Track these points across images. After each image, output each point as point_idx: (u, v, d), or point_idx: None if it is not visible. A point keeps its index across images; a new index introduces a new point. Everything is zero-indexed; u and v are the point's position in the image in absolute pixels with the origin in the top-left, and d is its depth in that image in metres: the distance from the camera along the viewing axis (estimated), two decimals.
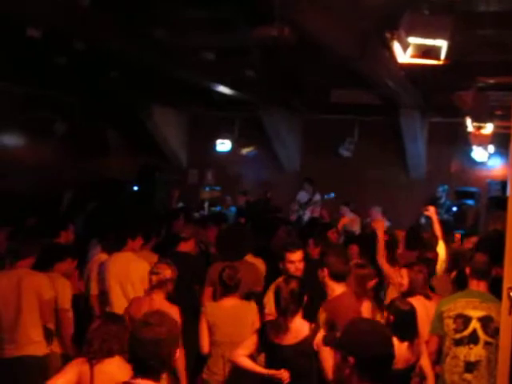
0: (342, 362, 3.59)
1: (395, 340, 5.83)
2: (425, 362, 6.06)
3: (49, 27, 9.77)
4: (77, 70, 13.70)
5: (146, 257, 8.28)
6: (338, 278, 6.31)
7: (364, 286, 6.85)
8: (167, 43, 11.15)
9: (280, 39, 10.19)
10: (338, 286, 6.30)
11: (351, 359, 3.50)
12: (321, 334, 5.60)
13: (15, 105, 16.19)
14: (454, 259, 8.46)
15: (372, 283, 7.05)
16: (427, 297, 7.09)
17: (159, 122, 18.93)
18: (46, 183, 16.53)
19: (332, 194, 16.81)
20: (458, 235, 10.52)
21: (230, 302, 6.67)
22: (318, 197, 17.55)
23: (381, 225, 8.53)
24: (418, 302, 6.83)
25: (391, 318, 5.97)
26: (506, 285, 4.58)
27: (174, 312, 6.34)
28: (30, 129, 17.09)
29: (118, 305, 7.67)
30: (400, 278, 7.16)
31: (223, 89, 14.64)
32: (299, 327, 5.67)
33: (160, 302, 6.46)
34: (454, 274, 8.25)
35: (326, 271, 6.35)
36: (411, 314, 6.01)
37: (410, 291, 7.06)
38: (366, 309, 6.59)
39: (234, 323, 6.56)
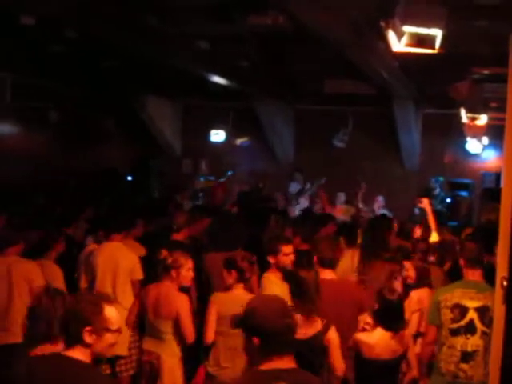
0: (247, 343, 3.65)
1: (380, 329, 5.86)
2: (411, 354, 6.06)
3: (43, 15, 9.72)
4: (70, 58, 13.64)
5: (130, 246, 8.33)
6: (325, 264, 6.43)
7: (391, 281, 6.79)
8: (161, 32, 11.09)
9: (274, 28, 10.18)
10: (325, 272, 6.37)
11: (255, 339, 3.55)
12: (332, 330, 5.62)
13: (8, 94, 16.13)
14: (443, 250, 8.47)
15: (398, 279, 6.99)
16: (431, 287, 7.11)
17: (153, 112, 18.91)
18: (40, 173, 16.51)
19: (322, 180, 16.83)
20: None
21: (239, 291, 6.58)
22: (309, 186, 17.64)
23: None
24: (425, 294, 6.87)
25: (375, 306, 5.98)
26: (499, 274, 4.57)
27: (181, 300, 6.34)
28: (24, 118, 17.05)
29: (113, 293, 7.69)
30: (405, 271, 7.16)
31: (217, 79, 14.61)
32: (311, 322, 5.66)
33: (167, 288, 6.41)
34: (447, 265, 8.28)
35: (315, 258, 6.50)
36: (396, 304, 5.98)
37: (419, 282, 7.08)
38: None
39: None
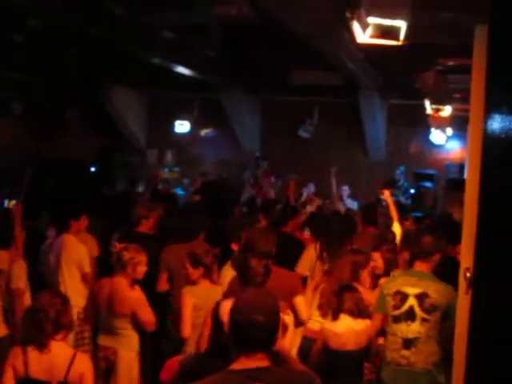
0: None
1: (344, 317, 5.94)
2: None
3: (3, 4, 9.58)
4: (33, 48, 13.45)
5: (83, 239, 8.19)
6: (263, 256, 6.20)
7: (357, 272, 6.78)
8: (125, 21, 10.97)
9: (239, 18, 10.12)
10: None
11: (228, 332, 3.45)
12: None
13: None
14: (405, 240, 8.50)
15: (366, 270, 6.98)
16: None
17: (118, 103, 18.79)
18: (4, 164, 16.33)
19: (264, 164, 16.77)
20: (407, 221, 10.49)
21: (206, 284, 6.55)
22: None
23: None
24: None
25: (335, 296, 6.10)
26: (462, 265, 4.58)
27: (135, 297, 6.27)
28: None
29: (63, 287, 7.63)
30: (373, 261, 7.19)
31: (182, 69, 14.50)
32: None
33: (120, 285, 6.29)
34: (405, 254, 8.29)
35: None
36: (354, 290, 6.13)
37: (387, 272, 7.12)
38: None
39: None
